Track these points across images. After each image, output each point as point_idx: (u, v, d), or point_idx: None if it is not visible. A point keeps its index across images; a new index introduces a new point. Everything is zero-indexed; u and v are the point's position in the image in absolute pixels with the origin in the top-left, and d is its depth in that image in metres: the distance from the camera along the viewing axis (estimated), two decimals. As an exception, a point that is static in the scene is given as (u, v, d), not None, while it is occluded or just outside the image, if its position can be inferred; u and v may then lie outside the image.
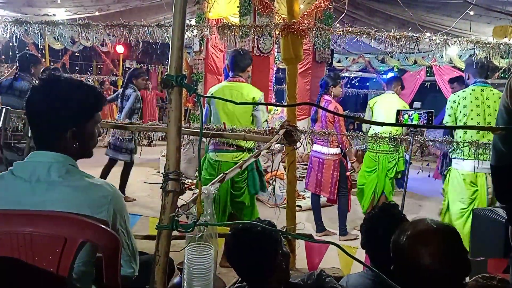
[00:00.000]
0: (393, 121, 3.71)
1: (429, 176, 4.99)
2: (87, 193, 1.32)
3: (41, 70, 4.86)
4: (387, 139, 3.53)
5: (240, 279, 1.75)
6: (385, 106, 4.62)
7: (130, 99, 5.10)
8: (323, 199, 4.55)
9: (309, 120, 7.08)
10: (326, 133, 3.66)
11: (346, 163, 4.42)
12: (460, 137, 3.59)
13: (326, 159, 4.26)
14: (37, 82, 4.14)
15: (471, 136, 3.49)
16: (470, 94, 3.64)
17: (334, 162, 4.26)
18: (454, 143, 3.46)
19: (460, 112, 3.64)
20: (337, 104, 4.29)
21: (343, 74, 11.39)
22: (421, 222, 1.41)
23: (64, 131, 1.36)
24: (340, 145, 4.21)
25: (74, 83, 1.42)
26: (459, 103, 3.65)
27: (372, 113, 4.68)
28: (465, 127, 3.64)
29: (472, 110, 3.59)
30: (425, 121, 3.33)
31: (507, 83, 1.92)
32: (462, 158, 3.55)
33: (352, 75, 12.73)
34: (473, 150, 3.33)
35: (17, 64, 4.65)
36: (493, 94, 3.59)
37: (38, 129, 1.38)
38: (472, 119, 3.60)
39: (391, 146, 3.87)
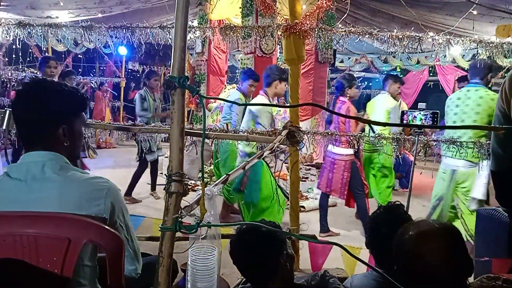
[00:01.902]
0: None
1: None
2: (83, 187, 1.34)
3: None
4: (390, 139, 3.54)
5: (244, 280, 1.75)
6: (371, 109, 4.91)
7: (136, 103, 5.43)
8: (331, 200, 4.54)
9: (312, 120, 7.10)
10: (330, 133, 3.66)
11: (359, 165, 4.40)
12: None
13: (337, 159, 4.26)
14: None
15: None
16: (456, 95, 3.77)
17: (345, 163, 4.24)
18: (458, 144, 3.44)
19: (448, 113, 3.77)
20: (350, 104, 4.28)
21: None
22: (423, 222, 1.41)
23: (56, 129, 1.38)
24: (352, 146, 4.20)
25: (58, 83, 1.48)
26: (448, 105, 3.77)
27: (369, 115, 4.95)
28: (465, 126, 3.64)
29: (451, 110, 3.71)
30: (430, 122, 3.32)
31: (501, 88, 1.91)
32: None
33: (355, 75, 12.67)
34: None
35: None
36: (480, 96, 3.51)
37: (29, 131, 1.39)
38: (450, 118, 3.72)
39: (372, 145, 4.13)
